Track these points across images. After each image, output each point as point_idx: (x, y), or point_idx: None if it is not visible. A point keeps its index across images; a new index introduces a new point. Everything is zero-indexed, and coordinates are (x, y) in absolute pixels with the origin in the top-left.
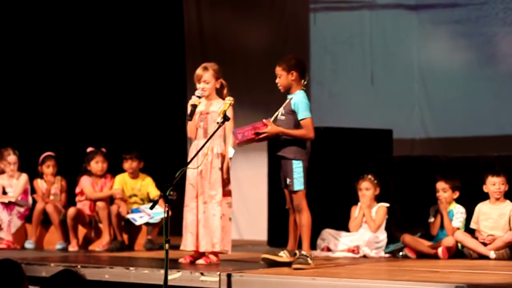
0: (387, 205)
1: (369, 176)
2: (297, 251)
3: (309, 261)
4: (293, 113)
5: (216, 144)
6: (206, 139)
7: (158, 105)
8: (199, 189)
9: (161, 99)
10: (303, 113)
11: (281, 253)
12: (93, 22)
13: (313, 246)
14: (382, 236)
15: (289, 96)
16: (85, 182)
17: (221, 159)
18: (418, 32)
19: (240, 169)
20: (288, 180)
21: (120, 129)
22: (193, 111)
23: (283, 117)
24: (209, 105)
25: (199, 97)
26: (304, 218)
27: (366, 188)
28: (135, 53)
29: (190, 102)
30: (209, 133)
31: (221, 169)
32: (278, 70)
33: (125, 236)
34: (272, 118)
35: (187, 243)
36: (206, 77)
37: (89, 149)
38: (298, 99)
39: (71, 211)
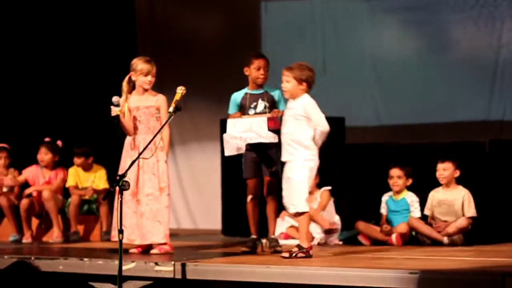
0: (329, 188)
1: None
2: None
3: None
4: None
5: (158, 138)
6: (146, 134)
7: (109, 95)
8: (140, 183)
9: (113, 88)
10: (285, 104)
11: (257, 244)
12: (42, 12)
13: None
14: (337, 219)
15: (262, 90)
16: (27, 172)
17: (164, 152)
18: (369, 20)
19: (195, 159)
20: (274, 168)
21: (71, 120)
22: (118, 123)
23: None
24: (143, 99)
25: (117, 105)
26: (276, 204)
27: None
28: (86, 43)
29: (112, 114)
30: (150, 127)
31: (166, 161)
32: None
33: (80, 227)
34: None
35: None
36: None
37: (46, 139)
38: (279, 92)
39: (24, 202)
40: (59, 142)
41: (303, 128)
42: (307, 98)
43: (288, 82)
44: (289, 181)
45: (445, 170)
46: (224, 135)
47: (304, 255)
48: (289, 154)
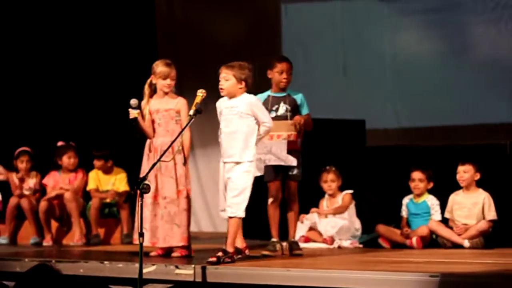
0: (351, 191)
1: (333, 168)
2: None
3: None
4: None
5: (176, 141)
6: (164, 137)
7: (129, 97)
8: (159, 185)
9: (132, 91)
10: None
11: (278, 247)
12: (61, 13)
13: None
14: (358, 224)
15: (284, 93)
16: (48, 179)
17: (182, 155)
18: (390, 22)
19: (215, 162)
20: (296, 171)
21: (90, 122)
22: (136, 126)
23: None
24: (163, 102)
25: (136, 108)
26: (297, 207)
27: (332, 180)
28: (105, 45)
29: (130, 116)
30: (169, 130)
31: (184, 164)
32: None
33: (101, 230)
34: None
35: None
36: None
37: (60, 143)
38: (302, 96)
39: (43, 204)
40: (73, 144)
41: (249, 128)
42: (252, 97)
43: (227, 80)
44: (233, 185)
45: (465, 172)
46: None
47: (230, 260)
48: (232, 155)
